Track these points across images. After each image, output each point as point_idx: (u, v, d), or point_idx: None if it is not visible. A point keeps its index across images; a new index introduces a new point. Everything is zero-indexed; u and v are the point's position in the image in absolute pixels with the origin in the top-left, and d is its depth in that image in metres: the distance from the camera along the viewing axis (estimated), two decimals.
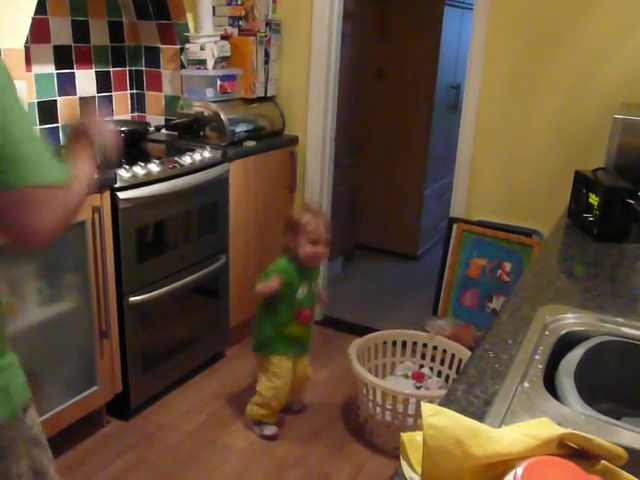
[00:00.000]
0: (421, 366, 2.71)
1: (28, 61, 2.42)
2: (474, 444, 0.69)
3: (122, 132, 2.69)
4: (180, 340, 2.65)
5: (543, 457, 0.68)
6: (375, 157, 4.24)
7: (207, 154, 2.60)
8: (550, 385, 0.98)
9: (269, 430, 2.42)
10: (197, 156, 2.55)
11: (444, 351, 2.64)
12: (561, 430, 0.71)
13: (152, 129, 2.81)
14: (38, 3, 2.20)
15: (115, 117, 2.95)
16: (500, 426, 0.83)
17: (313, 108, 3.10)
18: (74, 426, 2.23)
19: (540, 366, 1.01)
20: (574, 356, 1.07)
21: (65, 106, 2.67)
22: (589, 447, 0.70)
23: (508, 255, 2.80)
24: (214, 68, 2.87)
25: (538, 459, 0.67)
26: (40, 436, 1.13)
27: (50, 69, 2.59)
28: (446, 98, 4.19)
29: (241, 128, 2.87)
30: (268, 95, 3.12)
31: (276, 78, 3.14)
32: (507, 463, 0.68)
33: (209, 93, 2.86)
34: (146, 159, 2.38)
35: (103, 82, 2.87)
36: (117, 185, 2.18)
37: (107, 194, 2.16)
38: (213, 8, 2.93)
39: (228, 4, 2.96)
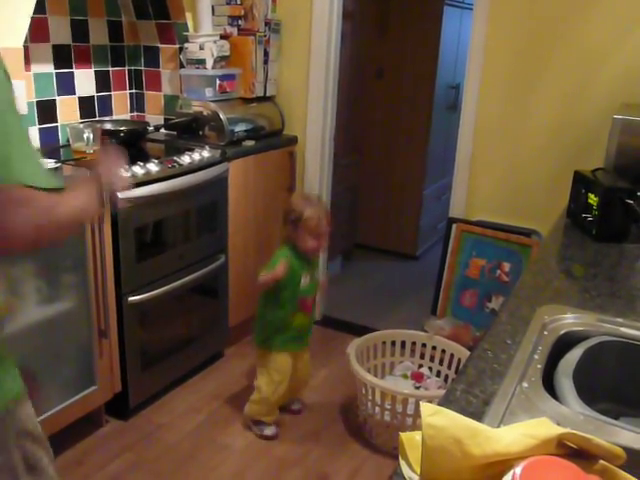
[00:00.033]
0: (420, 366, 2.71)
1: (27, 60, 2.42)
2: (473, 444, 0.69)
3: (121, 132, 2.70)
4: (179, 340, 2.65)
5: (542, 457, 0.68)
6: (374, 157, 4.24)
7: (206, 154, 2.60)
8: (549, 385, 0.98)
9: (269, 430, 2.42)
10: (196, 156, 2.55)
11: (443, 351, 2.64)
12: (560, 430, 0.71)
13: (151, 129, 2.81)
14: (37, 2, 2.20)
15: (114, 117, 2.95)
16: (499, 426, 0.83)
17: (312, 107, 3.10)
18: (73, 425, 2.22)
19: (539, 366, 1.01)
20: (573, 356, 1.07)
21: (64, 105, 2.67)
22: (588, 447, 0.70)
23: (507, 255, 2.80)
24: (213, 68, 2.87)
25: (537, 459, 0.67)
26: (36, 432, 1.13)
27: (49, 68, 2.59)
28: (445, 98, 4.19)
29: (240, 128, 2.87)
30: (267, 95, 3.12)
31: (275, 78, 3.14)
32: (506, 463, 0.68)
33: (208, 93, 2.86)
34: (145, 159, 2.38)
35: (102, 82, 2.87)
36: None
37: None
38: (212, 8, 2.93)
39: (227, 4, 2.96)
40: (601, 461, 0.70)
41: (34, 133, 2.53)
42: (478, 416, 0.86)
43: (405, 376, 2.66)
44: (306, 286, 2.31)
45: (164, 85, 3.04)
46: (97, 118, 2.83)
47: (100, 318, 2.23)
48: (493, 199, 2.87)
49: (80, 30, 2.70)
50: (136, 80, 3.06)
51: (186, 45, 2.88)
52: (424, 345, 2.69)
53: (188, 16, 2.90)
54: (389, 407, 2.32)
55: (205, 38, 2.85)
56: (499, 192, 2.85)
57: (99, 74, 2.84)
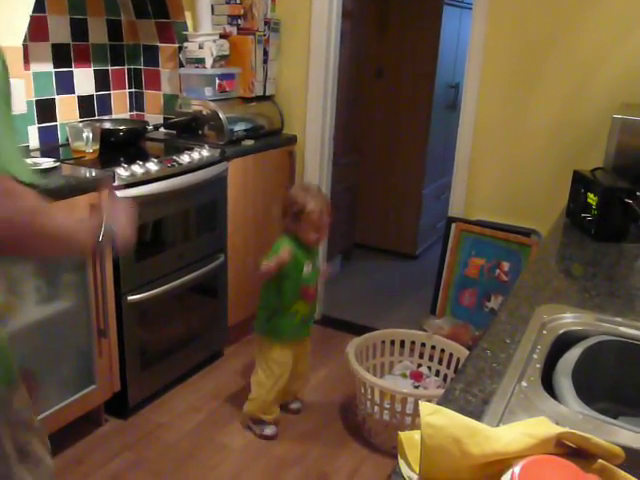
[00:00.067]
0: (419, 365, 2.71)
1: (26, 59, 2.42)
2: (472, 443, 0.69)
3: (121, 131, 2.70)
4: (178, 339, 2.64)
5: (540, 456, 0.68)
6: (374, 156, 4.24)
7: (205, 153, 2.60)
8: (548, 384, 0.98)
9: (269, 430, 2.42)
10: (195, 155, 2.54)
11: (442, 350, 2.64)
12: (559, 429, 0.71)
13: (151, 128, 2.81)
14: (36, 1, 2.20)
15: (114, 116, 2.95)
16: (498, 425, 0.83)
17: (312, 107, 3.10)
18: (72, 425, 2.23)
19: (538, 365, 1.01)
20: (572, 355, 1.07)
21: (64, 104, 2.67)
22: (586, 446, 0.70)
23: (506, 255, 2.80)
24: (213, 67, 2.87)
25: (535, 458, 0.67)
26: (31, 422, 1.13)
27: (48, 67, 2.59)
28: (445, 97, 4.19)
29: (240, 127, 2.87)
30: (267, 94, 3.11)
31: (275, 77, 3.14)
32: (505, 462, 0.68)
33: (208, 92, 2.86)
34: (144, 158, 2.38)
35: (102, 81, 2.86)
36: (115, 184, 2.18)
37: (105, 192, 2.15)
38: (212, 7, 2.93)
39: (227, 3, 2.95)
40: (600, 460, 0.70)
41: (33, 132, 2.53)
42: (477, 415, 0.86)
43: (404, 375, 2.67)
44: (308, 275, 2.31)
45: (163, 84, 3.04)
46: (96, 117, 2.83)
47: (99, 317, 2.23)
48: (492, 198, 2.87)
49: (79, 29, 2.70)
50: (135, 79, 3.06)
51: (185, 44, 2.88)
52: (423, 344, 2.69)
53: (187, 15, 2.89)
54: (388, 406, 2.32)
55: (204, 37, 2.85)
56: (498, 191, 2.85)
57: (98, 73, 2.84)
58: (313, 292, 2.37)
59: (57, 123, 2.65)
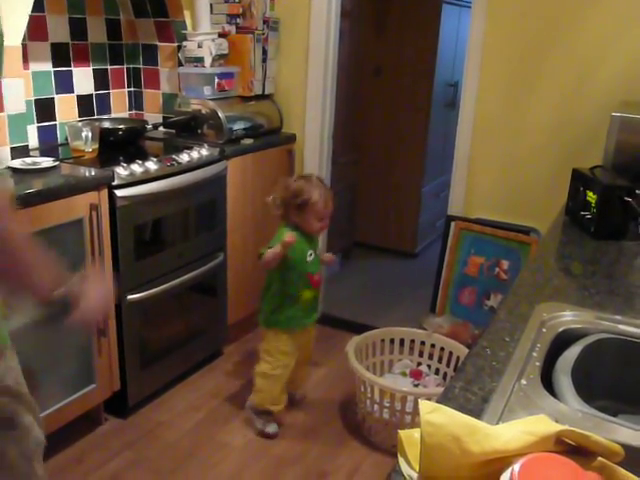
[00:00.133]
0: (419, 364, 2.72)
1: (25, 59, 2.41)
2: (471, 441, 0.69)
3: (120, 130, 2.70)
4: (178, 338, 2.65)
5: (540, 454, 0.68)
6: (373, 155, 4.24)
7: (205, 152, 2.60)
8: (547, 382, 0.98)
9: (271, 428, 2.42)
10: (195, 154, 2.54)
11: (442, 349, 2.64)
12: (558, 427, 0.71)
13: (150, 127, 2.81)
14: (35, 0, 2.20)
15: (113, 115, 2.95)
16: (497, 423, 0.83)
17: (311, 106, 3.10)
18: (72, 424, 2.22)
19: (537, 363, 1.01)
20: (571, 353, 1.07)
21: (63, 104, 2.67)
22: (586, 444, 0.70)
23: (506, 253, 2.80)
24: (212, 66, 2.86)
25: (535, 456, 0.67)
26: (17, 389, 1.11)
27: (47, 67, 2.58)
28: (444, 96, 4.19)
29: (239, 126, 2.87)
30: (266, 93, 3.11)
31: (274, 76, 3.14)
32: (504, 460, 0.68)
33: (207, 91, 2.86)
34: (144, 157, 2.38)
35: (101, 80, 2.86)
36: (115, 183, 2.18)
37: (105, 192, 2.16)
38: (211, 6, 2.93)
39: (226, 2, 2.95)
40: (599, 458, 0.70)
41: (32, 131, 2.52)
42: (477, 413, 0.86)
43: (404, 374, 2.67)
44: (312, 262, 2.31)
45: (162, 83, 3.04)
46: (95, 116, 2.83)
47: None
48: (492, 197, 2.87)
49: (78, 28, 2.70)
50: (134, 78, 3.05)
51: (184, 43, 2.88)
52: (423, 343, 2.69)
53: (186, 14, 2.89)
54: (388, 405, 2.32)
55: (203, 36, 2.84)
56: (498, 190, 2.85)
57: (97, 72, 2.84)
58: (319, 278, 2.38)
59: (56, 122, 2.65)
